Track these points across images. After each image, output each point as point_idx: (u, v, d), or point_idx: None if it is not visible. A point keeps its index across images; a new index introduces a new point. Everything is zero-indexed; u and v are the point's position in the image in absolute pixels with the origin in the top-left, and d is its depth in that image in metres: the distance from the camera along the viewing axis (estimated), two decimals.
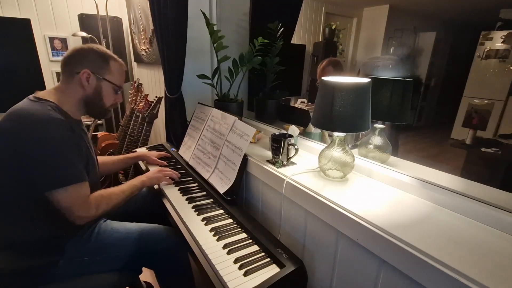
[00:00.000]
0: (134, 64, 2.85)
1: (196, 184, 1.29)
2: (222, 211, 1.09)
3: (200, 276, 0.88)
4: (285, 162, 1.07)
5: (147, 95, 2.10)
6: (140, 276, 1.18)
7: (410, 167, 0.98)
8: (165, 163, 1.46)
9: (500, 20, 3.68)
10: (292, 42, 1.92)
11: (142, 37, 2.32)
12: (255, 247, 0.90)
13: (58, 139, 0.87)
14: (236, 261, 0.82)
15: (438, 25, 4.84)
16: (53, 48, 2.75)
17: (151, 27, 1.98)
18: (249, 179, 1.22)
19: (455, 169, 2.82)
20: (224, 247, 0.88)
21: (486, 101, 3.38)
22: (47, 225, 0.92)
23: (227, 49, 1.39)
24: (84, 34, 2.49)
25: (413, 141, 4.52)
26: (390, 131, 1.14)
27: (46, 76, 2.57)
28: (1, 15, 2.42)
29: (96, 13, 2.57)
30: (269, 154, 1.17)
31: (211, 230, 0.96)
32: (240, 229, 0.98)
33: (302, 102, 2.07)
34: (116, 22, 2.81)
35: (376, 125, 1.03)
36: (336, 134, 0.90)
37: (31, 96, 0.93)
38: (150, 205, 1.29)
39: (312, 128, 1.39)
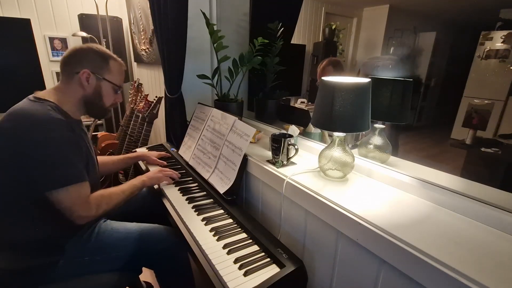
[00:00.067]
0: (134, 64, 2.85)
1: (196, 184, 1.29)
2: (222, 211, 1.09)
3: (200, 276, 0.88)
4: (285, 162, 1.07)
5: (147, 95, 2.10)
6: (140, 276, 1.18)
7: (410, 167, 0.98)
8: (165, 163, 1.46)
9: (500, 20, 3.68)
10: (292, 42, 1.92)
11: (142, 37, 2.32)
12: (255, 247, 0.90)
13: (58, 139, 0.87)
14: (236, 261, 0.82)
15: (438, 25, 4.84)
16: (53, 48, 2.75)
17: (151, 27, 1.98)
18: (249, 179, 1.22)
19: (455, 169, 2.82)
20: (224, 247, 0.88)
21: (486, 101, 3.38)
22: (47, 225, 0.92)
23: (227, 49, 1.39)
24: (84, 34, 2.49)
25: (413, 141, 4.52)
26: (390, 131, 1.14)
27: (46, 76, 2.57)
28: (1, 15, 2.42)
29: (96, 13, 2.57)
30: (269, 154, 1.17)
31: (211, 230, 0.96)
32: (240, 229, 0.98)
33: (302, 102, 2.08)
34: (116, 22, 2.81)
35: (376, 125, 1.03)
36: (336, 134, 0.90)
37: (30, 96, 0.93)
38: (150, 205, 1.29)
39: (312, 128, 1.39)
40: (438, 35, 4.75)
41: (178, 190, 1.23)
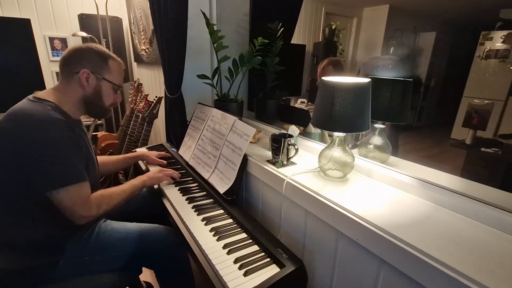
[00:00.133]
0: (134, 64, 2.85)
1: (196, 184, 1.29)
2: (222, 211, 1.09)
3: (200, 276, 0.88)
4: (285, 162, 1.07)
5: (147, 95, 2.10)
6: (140, 276, 1.18)
7: (410, 167, 0.98)
8: (165, 162, 1.46)
9: (500, 20, 3.69)
10: (292, 42, 1.92)
11: (142, 37, 2.32)
12: (255, 247, 0.90)
13: (59, 139, 0.87)
14: (236, 261, 0.82)
15: (438, 25, 4.84)
16: (53, 48, 2.75)
17: (151, 27, 1.98)
18: (249, 179, 1.22)
19: (455, 169, 2.82)
20: (224, 247, 0.88)
21: (486, 101, 3.38)
22: (47, 225, 0.92)
23: (227, 49, 1.39)
24: (84, 34, 2.49)
25: (413, 141, 4.52)
26: (390, 131, 1.14)
27: (46, 76, 2.57)
28: (1, 15, 2.42)
29: (96, 13, 2.57)
30: (269, 154, 1.17)
31: (211, 230, 0.96)
32: (240, 229, 0.98)
33: (302, 102, 2.08)
34: (116, 22, 2.81)
35: (376, 125, 1.03)
36: (336, 134, 0.90)
37: (30, 96, 0.93)
38: (150, 205, 1.29)
39: (312, 128, 1.39)
40: (438, 35, 4.75)
41: (178, 190, 1.23)
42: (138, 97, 2.21)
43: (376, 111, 0.96)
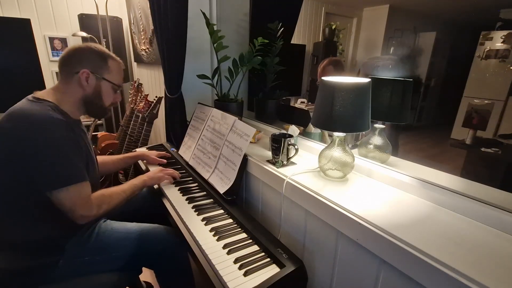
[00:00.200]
0: (134, 64, 2.85)
1: (196, 184, 1.29)
2: (222, 211, 1.09)
3: (200, 276, 0.88)
4: (285, 162, 1.07)
5: (147, 95, 2.10)
6: (140, 276, 1.18)
7: (410, 167, 0.98)
8: (165, 161, 1.46)
9: (500, 20, 3.68)
10: (292, 42, 1.92)
11: (142, 37, 2.32)
12: (255, 247, 0.90)
13: (59, 139, 0.86)
14: (236, 261, 0.82)
15: (438, 25, 4.84)
16: (53, 48, 2.75)
17: (151, 27, 1.98)
18: (249, 179, 1.22)
19: (455, 169, 2.81)
20: (224, 247, 0.88)
21: (486, 101, 3.38)
22: (47, 225, 0.92)
23: (227, 49, 1.39)
24: (84, 34, 2.49)
25: (413, 141, 4.52)
26: (390, 131, 1.14)
27: (46, 76, 2.57)
28: (1, 15, 2.42)
29: (96, 13, 2.57)
30: (269, 154, 1.17)
31: (211, 230, 0.96)
32: (240, 229, 0.98)
33: (302, 102, 2.07)
34: (116, 22, 2.81)
35: (376, 125, 1.03)
36: (336, 134, 0.90)
37: (29, 96, 0.93)
38: (150, 205, 1.29)
39: (312, 128, 1.39)
40: (438, 35, 4.74)
41: (178, 190, 1.23)
42: (138, 97, 2.21)
43: (376, 111, 0.96)
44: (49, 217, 0.91)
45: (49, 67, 2.77)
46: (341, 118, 0.83)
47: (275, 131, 1.27)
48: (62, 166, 0.87)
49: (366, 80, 0.84)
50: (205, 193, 1.22)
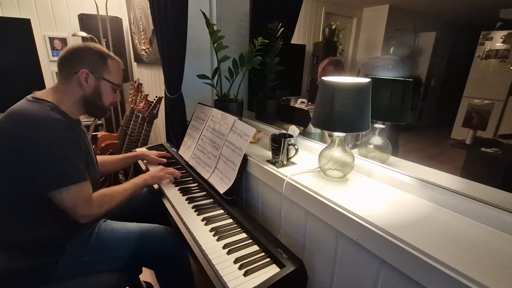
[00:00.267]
0: (134, 64, 2.85)
1: (196, 184, 1.29)
2: (222, 211, 1.09)
3: (200, 276, 0.88)
4: (285, 162, 1.07)
5: (147, 95, 2.10)
6: (140, 276, 1.18)
7: (410, 167, 0.98)
8: (165, 160, 1.46)
9: (500, 20, 3.68)
10: (292, 42, 1.92)
11: (142, 37, 2.32)
12: (255, 247, 0.90)
13: (59, 139, 0.86)
14: (236, 261, 0.82)
15: (438, 25, 4.84)
16: (53, 48, 2.75)
17: (151, 27, 1.98)
18: (249, 179, 1.22)
19: (455, 169, 2.82)
20: (224, 247, 0.88)
21: (486, 101, 3.38)
22: (47, 225, 0.92)
23: (227, 49, 1.39)
24: (84, 34, 2.49)
25: (413, 141, 4.52)
26: (390, 131, 1.14)
27: (46, 76, 2.57)
28: (1, 15, 2.42)
29: (96, 13, 2.57)
30: (269, 154, 1.17)
31: (211, 230, 0.96)
32: (240, 229, 0.98)
33: (302, 102, 2.07)
34: (116, 22, 2.81)
35: (376, 125, 1.03)
36: (336, 134, 0.90)
37: (29, 97, 0.93)
38: (150, 205, 1.29)
39: (312, 128, 1.39)
40: (438, 35, 4.74)
41: (178, 190, 1.23)
42: (138, 97, 2.21)
43: (376, 111, 0.96)
44: (49, 217, 0.91)
45: (49, 67, 2.77)
46: (341, 118, 0.83)
47: (275, 131, 1.27)
48: (62, 166, 0.87)
49: (366, 80, 0.84)
50: (205, 193, 1.22)
